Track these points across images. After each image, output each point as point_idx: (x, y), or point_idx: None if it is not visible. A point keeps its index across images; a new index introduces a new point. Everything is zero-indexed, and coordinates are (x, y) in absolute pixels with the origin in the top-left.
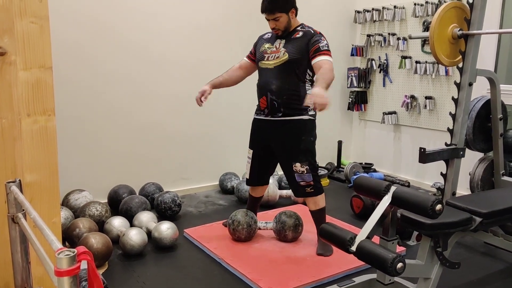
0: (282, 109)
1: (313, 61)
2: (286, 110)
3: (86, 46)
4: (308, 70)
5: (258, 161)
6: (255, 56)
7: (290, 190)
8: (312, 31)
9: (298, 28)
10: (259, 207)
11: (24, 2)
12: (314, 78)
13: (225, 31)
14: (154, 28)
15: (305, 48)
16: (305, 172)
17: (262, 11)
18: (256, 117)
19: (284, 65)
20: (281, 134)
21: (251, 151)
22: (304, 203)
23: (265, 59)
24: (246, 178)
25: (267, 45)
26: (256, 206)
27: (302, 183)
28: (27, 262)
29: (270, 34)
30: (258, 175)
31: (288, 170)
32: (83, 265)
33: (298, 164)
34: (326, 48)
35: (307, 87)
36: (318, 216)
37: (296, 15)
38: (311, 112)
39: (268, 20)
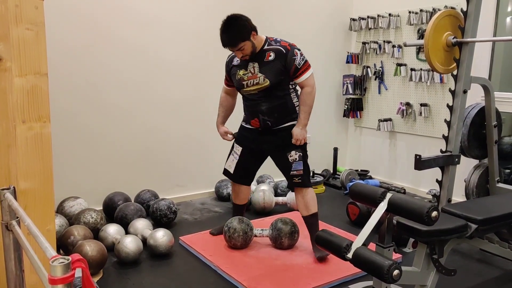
0: (275, 125)
1: (296, 82)
2: (278, 124)
3: (81, 52)
4: (290, 83)
5: (246, 160)
6: (231, 82)
7: (286, 197)
8: (283, 50)
9: (266, 47)
10: (245, 213)
11: (20, 8)
12: (298, 109)
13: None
14: (151, 34)
15: (283, 70)
16: (297, 159)
17: (224, 46)
18: (245, 125)
19: (267, 89)
20: (274, 140)
21: (240, 148)
22: None
23: (245, 86)
24: (228, 171)
25: (241, 72)
26: (242, 214)
27: (293, 171)
28: (20, 270)
29: (238, 59)
30: (243, 173)
31: (283, 162)
32: (78, 273)
33: (293, 152)
34: (302, 62)
35: (292, 97)
36: (311, 221)
37: (257, 33)
38: None
39: (232, 51)
